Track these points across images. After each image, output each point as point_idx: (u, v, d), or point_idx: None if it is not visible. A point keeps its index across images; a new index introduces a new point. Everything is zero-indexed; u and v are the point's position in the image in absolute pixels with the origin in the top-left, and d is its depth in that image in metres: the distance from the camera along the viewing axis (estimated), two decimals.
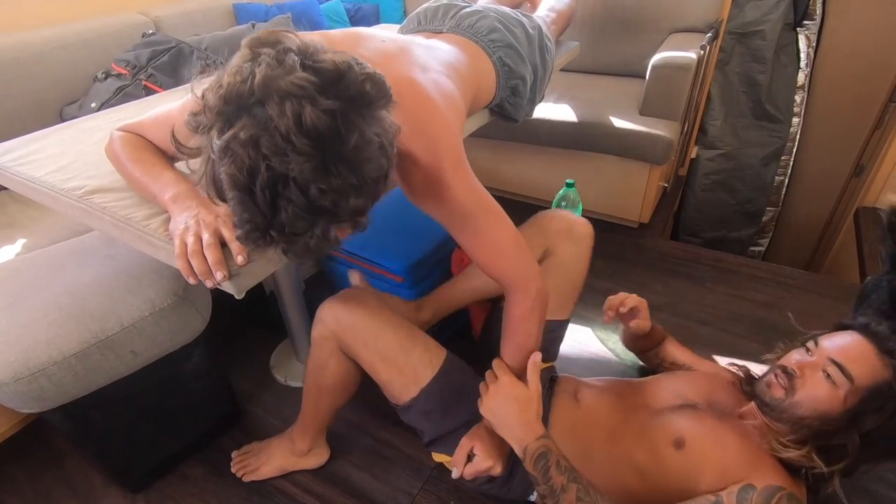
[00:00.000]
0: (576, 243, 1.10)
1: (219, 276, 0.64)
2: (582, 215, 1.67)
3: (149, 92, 1.58)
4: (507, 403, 0.83)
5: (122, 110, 1.15)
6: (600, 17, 2.07)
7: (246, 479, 1.17)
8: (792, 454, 0.78)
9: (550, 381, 1.05)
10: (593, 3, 2.05)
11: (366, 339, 0.93)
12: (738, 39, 2.12)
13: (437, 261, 1.37)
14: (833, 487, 0.78)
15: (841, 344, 0.80)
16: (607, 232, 1.96)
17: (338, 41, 0.78)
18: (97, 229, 0.84)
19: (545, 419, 0.95)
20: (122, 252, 1.05)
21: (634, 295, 1.12)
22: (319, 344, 0.97)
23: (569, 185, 1.64)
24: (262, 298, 1.49)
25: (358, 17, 2.37)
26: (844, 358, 0.78)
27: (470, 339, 1.49)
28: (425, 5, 1.12)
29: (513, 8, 1.21)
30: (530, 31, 1.13)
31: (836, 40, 2.05)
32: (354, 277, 1.23)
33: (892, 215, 1.50)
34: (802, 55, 2.08)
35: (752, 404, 0.88)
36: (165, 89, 1.56)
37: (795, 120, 2.19)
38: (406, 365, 0.94)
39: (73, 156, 0.92)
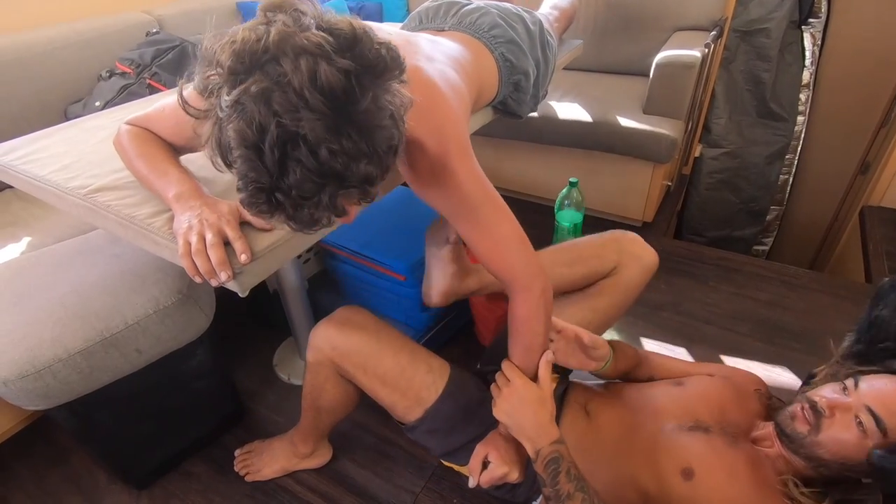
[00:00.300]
0: (642, 272, 1.03)
1: (223, 276, 0.64)
2: (585, 214, 1.68)
3: (153, 91, 1.59)
4: (520, 406, 0.80)
5: (126, 109, 1.15)
6: (603, 15, 2.06)
7: (249, 479, 1.17)
8: (805, 496, 0.73)
9: (563, 391, 1.00)
10: (596, 1, 2.05)
11: (364, 365, 0.90)
12: (743, 37, 2.11)
13: None
14: None
15: (883, 391, 0.72)
16: None
17: None
18: (101, 228, 0.84)
19: None
20: (126, 250, 1.06)
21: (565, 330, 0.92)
22: (315, 369, 0.95)
23: (572, 184, 1.64)
24: (265, 297, 1.50)
25: (362, 16, 2.36)
26: (883, 408, 0.70)
27: (474, 337, 1.49)
28: (426, 4, 1.12)
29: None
30: (531, 26, 1.13)
31: (841, 38, 2.04)
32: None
33: None
34: (807, 53, 2.07)
35: (770, 429, 0.82)
36: (169, 88, 1.57)
37: (800, 118, 2.18)
38: (409, 389, 0.92)
39: (77, 154, 0.92)
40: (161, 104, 0.79)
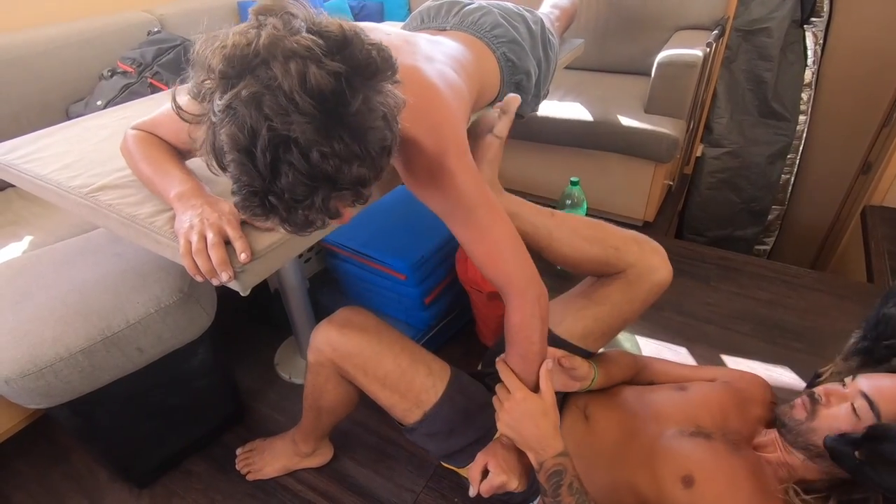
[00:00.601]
0: (651, 286, 0.96)
1: (224, 276, 0.64)
2: (586, 213, 1.68)
3: (154, 90, 1.59)
4: (523, 419, 0.79)
5: (128, 108, 1.16)
6: (605, 14, 2.06)
7: (250, 478, 1.17)
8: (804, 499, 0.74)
9: (563, 395, 0.99)
10: (598, 0, 2.04)
11: (364, 367, 0.90)
12: (745, 37, 2.10)
13: (441, 259, 1.37)
14: None
15: (880, 383, 0.74)
16: None
17: None
18: (103, 227, 0.85)
19: None
20: (128, 249, 1.06)
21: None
22: (315, 369, 0.95)
23: (573, 184, 1.64)
24: (266, 296, 1.50)
25: (363, 15, 2.37)
26: (878, 395, 0.72)
27: (475, 336, 1.49)
28: (428, 3, 1.12)
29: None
30: (533, 26, 1.12)
31: (843, 38, 2.03)
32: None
33: None
34: (809, 52, 2.07)
35: (772, 435, 0.82)
36: (171, 87, 1.57)
37: (802, 118, 2.18)
38: (408, 391, 0.91)
39: (78, 153, 0.92)
40: (165, 108, 0.79)
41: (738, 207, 2.40)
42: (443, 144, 0.70)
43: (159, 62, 1.64)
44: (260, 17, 0.52)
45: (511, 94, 0.91)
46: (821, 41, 2.05)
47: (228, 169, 0.51)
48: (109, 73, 1.62)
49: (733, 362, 1.40)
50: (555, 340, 0.96)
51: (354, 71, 0.50)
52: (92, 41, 1.65)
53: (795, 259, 2.39)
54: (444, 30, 1.05)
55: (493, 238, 0.76)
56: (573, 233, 0.96)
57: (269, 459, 1.18)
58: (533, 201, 0.98)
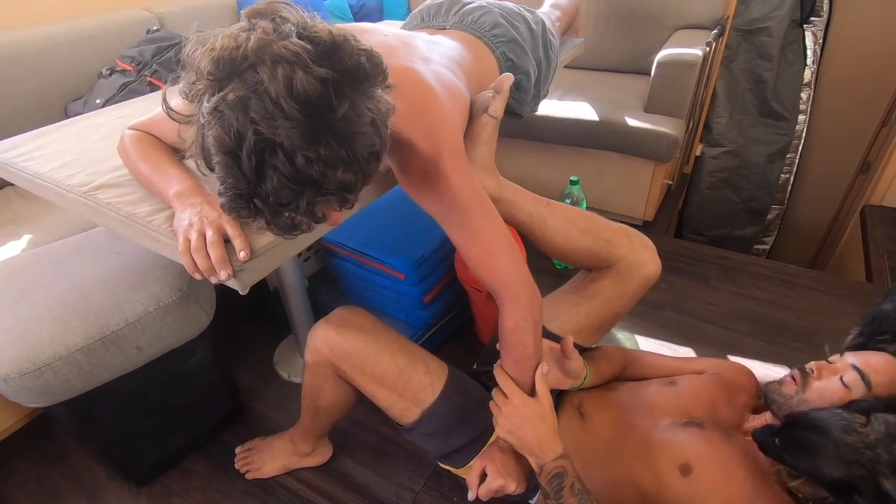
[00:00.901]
0: (640, 279, 0.98)
1: (223, 274, 0.64)
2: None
3: (153, 88, 1.59)
4: (522, 424, 0.79)
5: (127, 106, 1.15)
6: (605, 13, 2.06)
7: (249, 477, 1.17)
8: (798, 483, 0.75)
9: (557, 394, 0.99)
10: (598, 0, 2.05)
11: (362, 366, 0.90)
12: (744, 36, 2.10)
13: (440, 258, 1.37)
14: None
15: (868, 357, 0.78)
16: None
17: None
18: (102, 225, 0.84)
19: None
20: (127, 248, 1.06)
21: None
22: (313, 369, 0.95)
23: (573, 183, 1.64)
24: (265, 295, 1.50)
25: (362, 14, 2.36)
26: (868, 367, 0.75)
27: (474, 335, 1.49)
28: (428, 2, 1.12)
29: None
30: (533, 26, 1.12)
31: (842, 37, 2.03)
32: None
33: None
34: (809, 52, 2.07)
35: (763, 419, 0.84)
36: (169, 86, 1.57)
37: (801, 117, 2.18)
38: (406, 390, 0.91)
39: (77, 152, 0.92)
40: (161, 108, 0.79)
41: (737, 207, 2.41)
42: (437, 146, 0.70)
43: (158, 60, 1.63)
44: (251, 20, 0.52)
45: (505, 74, 0.91)
46: (820, 41, 2.05)
47: (215, 170, 0.52)
48: (108, 72, 1.61)
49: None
50: (549, 337, 0.97)
51: (342, 77, 0.50)
52: (91, 39, 1.65)
53: (795, 258, 2.40)
54: (444, 29, 1.05)
55: (487, 241, 0.76)
56: (567, 222, 0.96)
57: (268, 458, 1.18)
58: None
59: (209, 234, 0.65)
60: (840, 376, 0.76)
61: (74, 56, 1.61)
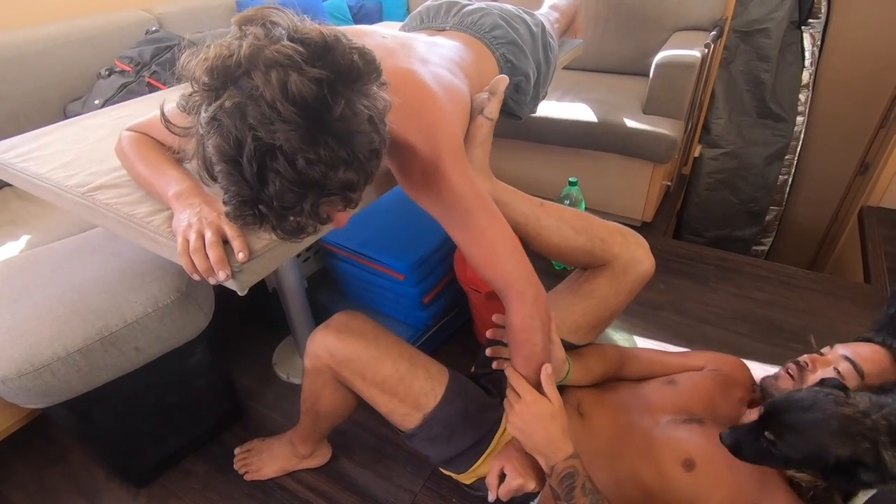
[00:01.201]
0: (636, 277, 0.98)
1: (221, 275, 0.64)
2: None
3: (152, 89, 1.58)
4: (532, 422, 0.79)
5: (126, 107, 1.15)
6: (604, 15, 2.06)
7: (248, 478, 1.17)
8: (799, 473, 0.75)
9: None
10: (597, 0, 2.05)
11: (363, 372, 0.90)
12: (743, 38, 2.11)
13: (439, 259, 1.38)
14: None
15: (858, 348, 0.81)
16: None
17: None
18: (100, 226, 0.84)
19: None
20: (125, 249, 1.06)
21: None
22: (313, 375, 0.95)
23: (572, 184, 1.64)
24: (264, 296, 1.50)
25: (361, 15, 2.37)
26: (859, 357, 0.79)
27: (472, 336, 1.49)
28: (427, 3, 1.12)
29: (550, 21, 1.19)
30: (533, 28, 1.12)
31: (841, 39, 2.04)
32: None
33: None
34: (807, 54, 2.07)
35: (760, 412, 0.84)
36: (168, 86, 1.57)
37: (800, 119, 2.19)
38: (407, 395, 0.91)
39: (76, 153, 0.92)
40: (159, 110, 0.79)
41: (735, 208, 2.41)
42: (437, 147, 0.70)
43: (157, 61, 1.63)
44: (242, 27, 0.52)
45: (500, 76, 0.91)
46: (818, 42, 2.06)
47: (218, 179, 0.52)
48: (107, 72, 1.61)
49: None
50: None
51: (337, 76, 0.51)
52: (90, 40, 1.65)
53: (793, 259, 2.40)
54: (444, 30, 1.05)
55: (490, 240, 0.76)
56: (561, 222, 0.97)
57: (267, 460, 1.17)
58: None
59: (208, 234, 0.65)
60: (834, 367, 0.79)
61: (73, 56, 1.61)
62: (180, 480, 1.19)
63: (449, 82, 0.81)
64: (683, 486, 0.79)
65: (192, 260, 0.65)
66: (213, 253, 0.64)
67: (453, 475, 1.00)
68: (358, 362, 0.90)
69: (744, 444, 0.73)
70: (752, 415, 0.87)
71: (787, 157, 2.27)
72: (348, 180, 0.53)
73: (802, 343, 1.45)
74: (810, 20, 2.03)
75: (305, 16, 0.55)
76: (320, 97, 0.49)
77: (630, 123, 1.75)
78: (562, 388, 0.98)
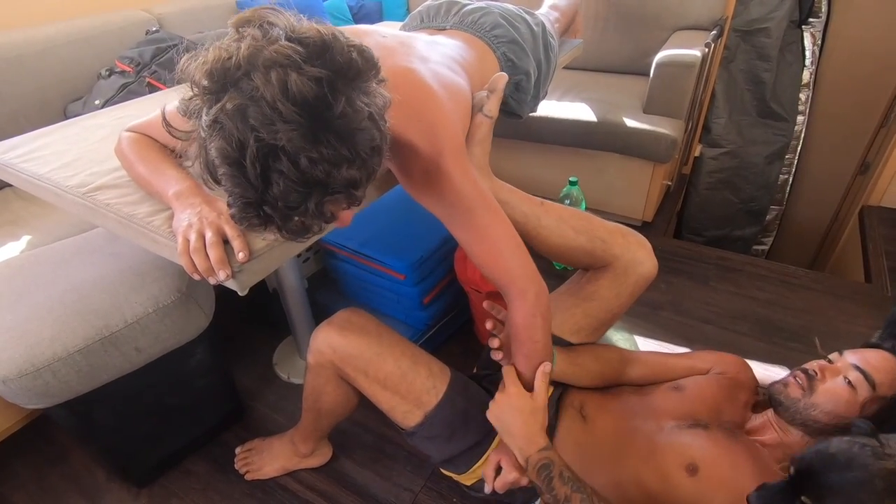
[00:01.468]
0: (637, 279, 0.98)
1: (221, 275, 0.64)
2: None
3: (152, 89, 1.58)
4: (511, 414, 0.81)
5: (126, 107, 1.15)
6: (604, 14, 2.06)
7: (249, 477, 1.17)
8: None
9: (559, 396, 0.99)
10: (597, 0, 2.05)
11: (365, 369, 0.90)
12: (743, 37, 2.11)
13: (439, 259, 1.38)
14: None
15: (866, 356, 0.80)
16: None
17: None
18: (101, 226, 0.84)
19: (551, 438, 0.90)
20: (126, 249, 1.06)
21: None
22: (315, 371, 0.95)
23: (572, 184, 1.64)
24: (265, 296, 1.50)
25: (361, 15, 2.37)
26: (868, 366, 0.77)
27: (473, 336, 1.49)
28: (427, 2, 1.12)
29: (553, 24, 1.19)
30: (534, 27, 1.12)
31: (841, 38, 2.04)
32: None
33: None
34: (807, 53, 2.07)
35: (765, 417, 0.85)
36: (169, 87, 1.57)
37: (800, 118, 2.19)
38: (409, 393, 0.91)
39: (76, 153, 0.92)
40: (159, 110, 0.79)
41: (736, 207, 2.41)
42: (438, 146, 0.70)
43: (158, 61, 1.63)
44: (239, 29, 0.52)
45: (499, 73, 0.91)
46: (819, 42, 2.06)
47: (222, 182, 0.52)
48: (108, 73, 1.61)
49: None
50: None
51: (336, 74, 0.51)
52: (90, 40, 1.65)
53: (794, 259, 2.40)
54: (444, 29, 1.05)
55: (493, 238, 0.76)
56: (561, 222, 0.96)
57: (267, 459, 1.18)
58: None
59: (208, 234, 0.65)
60: (843, 376, 0.77)
61: (74, 57, 1.61)
62: (181, 480, 1.19)
63: (450, 80, 0.81)
64: (686, 491, 0.79)
65: (192, 260, 0.65)
66: (214, 253, 0.64)
67: (454, 476, 1.00)
68: (360, 359, 0.90)
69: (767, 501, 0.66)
70: (757, 420, 0.86)
71: (787, 157, 2.27)
72: (351, 178, 0.53)
73: (802, 342, 1.46)
74: (811, 19, 2.03)
75: (303, 16, 0.55)
76: (321, 96, 0.49)
77: (630, 123, 1.75)
78: (564, 391, 0.99)
